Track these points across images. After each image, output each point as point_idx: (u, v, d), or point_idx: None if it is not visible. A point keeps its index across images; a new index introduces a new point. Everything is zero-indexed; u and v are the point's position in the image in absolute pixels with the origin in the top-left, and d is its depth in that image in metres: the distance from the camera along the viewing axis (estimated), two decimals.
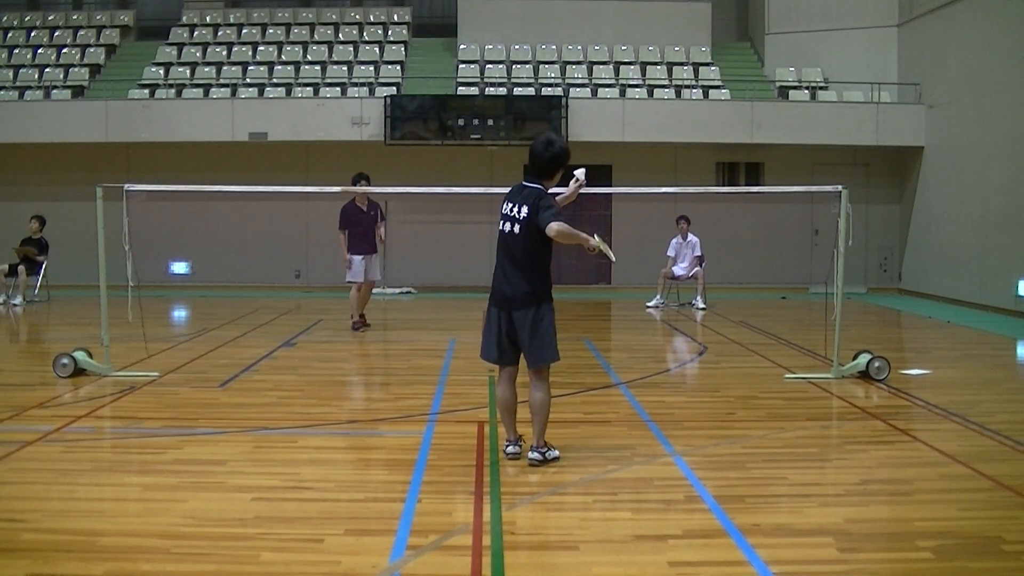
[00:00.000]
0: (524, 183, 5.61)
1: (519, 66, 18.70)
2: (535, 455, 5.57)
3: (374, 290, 17.17)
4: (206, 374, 8.62)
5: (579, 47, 19.09)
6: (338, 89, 17.74)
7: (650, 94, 17.79)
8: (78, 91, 18.04)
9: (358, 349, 10.81)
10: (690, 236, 14.91)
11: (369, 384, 8.49)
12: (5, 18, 20.35)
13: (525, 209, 5.45)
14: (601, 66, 18.70)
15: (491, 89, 17.78)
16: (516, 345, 5.57)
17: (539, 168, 5.61)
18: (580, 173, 6.09)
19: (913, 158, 17.42)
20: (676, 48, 19.04)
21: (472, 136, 16.60)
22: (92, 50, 19.38)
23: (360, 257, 11.64)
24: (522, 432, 5.71)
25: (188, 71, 18.45)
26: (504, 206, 5.59)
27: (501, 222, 5.59)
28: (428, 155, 17.29)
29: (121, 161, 17.43)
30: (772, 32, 19.07)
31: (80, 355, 8.30)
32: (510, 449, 5.66)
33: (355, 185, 11.52)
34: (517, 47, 19.03)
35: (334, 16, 20.43)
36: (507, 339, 5.57)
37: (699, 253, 14.86)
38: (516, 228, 5.49)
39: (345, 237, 11.66)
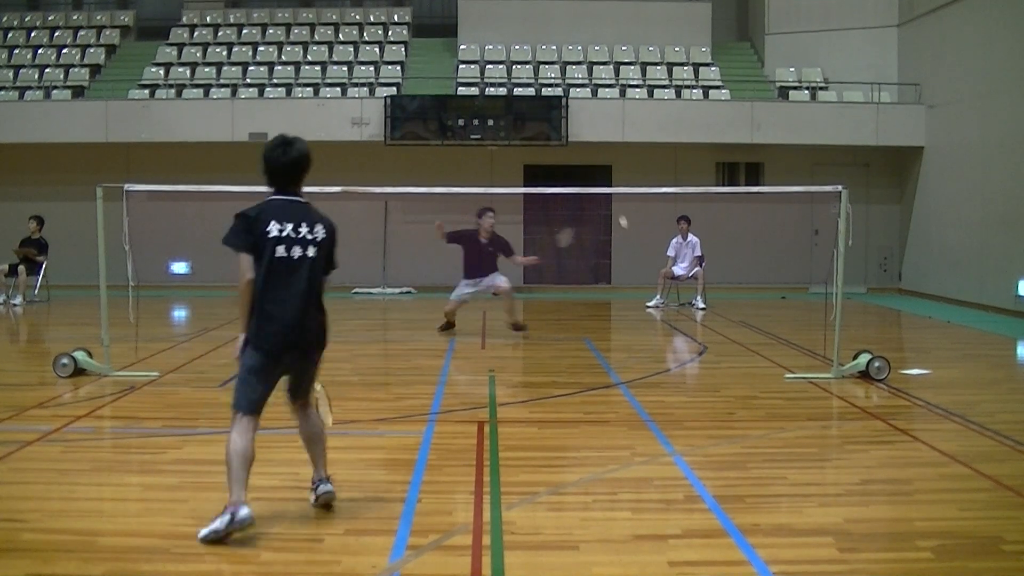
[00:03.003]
0: (297, 199, 4.64)
1: (519, 66, 18.69)
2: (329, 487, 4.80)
3: (373, 290, 17.22)
4: (206, 374, 8.61)
5: (579, 47, 19.09)
6: (338, 89, 17.74)
7: (650, 94, 17.79)
8: (78, 91, 18.04)
9: (358, 349, 10.81)
10: (690, 236, 14.91)
11: (369, 384, 8.49)
12: (5, 18, 20.35)
13: (321, 231, 4.60)
14: (601, 66, 18.69)
15: (491, 89, 17.78)
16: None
17: (298, 175, 4.66)
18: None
19: (913, 158, 17.41)
20: (676, 48, 19.03)
21: (472, 136, 16.59)
22: (92, 50, 19.39)
23: (467, 281, 11.47)
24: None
25: (188, 71, 18.46)
26: (278, 227, 4.52)
27: (282, 246, 4.50)
28: (428, 155, 17.28)
29: (121, 161, 17.43)
30: (772, 32, 19.07)
31: (80, 355, 8.30)
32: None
33: (480, 217, 11.44)
34: (517, 47, 19.03)
35: (334, 16, 20.43)
36: (274, 381, 4.78)
37: (699, 253, 14.86)
38: (311, 252, 4.56)
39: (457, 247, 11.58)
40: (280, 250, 4.49)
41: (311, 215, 4.62)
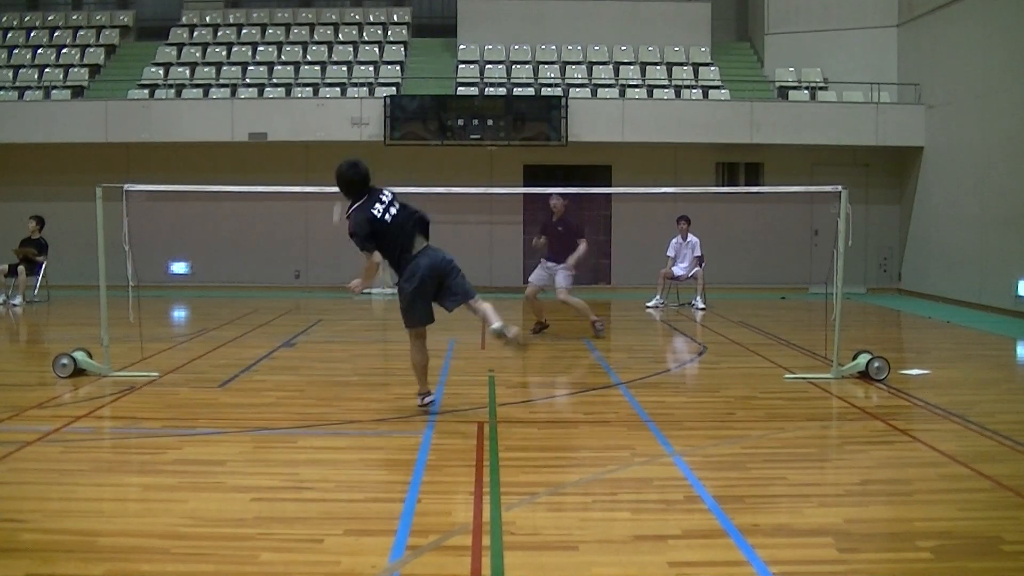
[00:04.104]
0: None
1: (519, 66, 18.70)
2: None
3: (379, 290, 17.18)
4: (206, 374, 8.61)
5: (579, 47, 19.10)
6: (338, 89, 17.75)
7: (650, 94, 17.80)
8: (78, 91, 18.05)
9: (358, 349, 10.82)
10: (690, 236, 14.91)
11: (369, 384, 8.49)
12: (5, 18, 20.36)
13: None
14: (601, 66, 18.70)
15: (491, 89, 17.79)
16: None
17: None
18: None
19: (913, 158, 17.42)
20: (676, 48, 19.04)
21: (472, 136, 16.60)
22: (92, 50, 19.40)
23: (543, 262, 11.35)
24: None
25: (188, 71, 18.46)
26: (378, 207, 6.82)
27: (386, 213, 6.82)
28: (428, 155, 17.29)
29: (121, 161, 17.44)
30: (772, 32, 19.08)
31: (80, 355, 8.30)
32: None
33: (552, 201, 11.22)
34: (517, 47, 19.04)
35: (334, 16, 20.44)
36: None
37: (699, 253, 14.86)
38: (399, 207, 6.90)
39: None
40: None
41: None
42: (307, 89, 17.81)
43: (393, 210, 6.80)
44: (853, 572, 4.05)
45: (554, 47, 19.10)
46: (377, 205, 6.76)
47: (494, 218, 18.04)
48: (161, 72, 18.33)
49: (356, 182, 6.85)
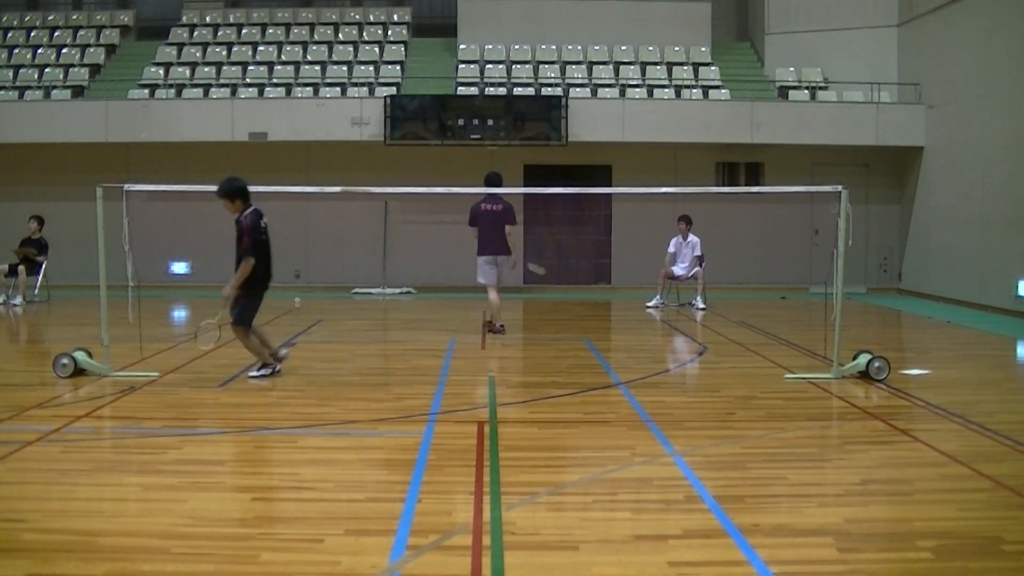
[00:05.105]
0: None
1: (519, 66, 18.70)
2: None
3: (372, 290, 17.19)
4: (206, 374, 8.62)
5: (579, 47, 19.09)
6: (338, 89, 17.74)
7: (650, 94, 17.79)
8: (78, 91, 18.04)
9: (358, 349, 10.82)
10: (690, 236, 14.90)
11: (369, 384, 8.50)
12: (5, 18, 20.35)
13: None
14: (601, 66, 18.70)
15: (491, 89, 17.78)
16: None
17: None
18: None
19: (913, 158, 17.42)
20: (676, 48, 19.04)
21: (472, 136, 16.60)
22: (92, 50, 19.39)
23: (483, 258, 11.44)
24: None
25: (188, 71, 18.46)
26: (263, 224, 8.43)
27: (266, 231, 8.47)
28: (428, 155, 17.28)
29: (121, 161, 17.44)
30: (772, 32, 19.07)
31: (80, 355, 8.30)
32: None
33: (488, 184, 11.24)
34: (517, 47, 19.03)
35: (334, 16, 20.43)
36: None
37: (699, 253, 14.85)
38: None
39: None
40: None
41: None
42: (307, 89, 17.80)
43: (267, 232, 8.35)
44: (853, 572, 4.05)
45: (554, 47, 19.10)
46: (263, 222, 8.22)
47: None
48: (161, 72, 18.32)
49: (245, 188, 8.31)
